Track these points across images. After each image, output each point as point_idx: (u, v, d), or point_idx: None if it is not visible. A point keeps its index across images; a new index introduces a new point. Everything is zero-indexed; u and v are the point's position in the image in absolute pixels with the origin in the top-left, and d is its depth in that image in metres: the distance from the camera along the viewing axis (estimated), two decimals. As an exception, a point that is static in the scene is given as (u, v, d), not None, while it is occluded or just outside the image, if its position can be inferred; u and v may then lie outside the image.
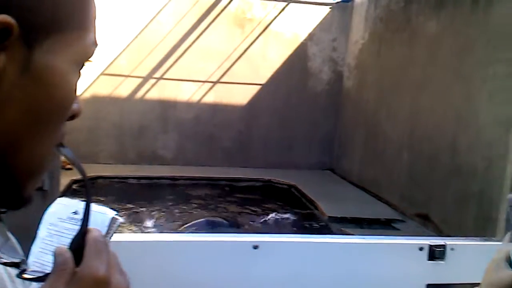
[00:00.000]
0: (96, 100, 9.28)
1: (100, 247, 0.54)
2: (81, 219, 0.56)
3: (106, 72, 9.33)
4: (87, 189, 0.57)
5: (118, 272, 0.55)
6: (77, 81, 0.54)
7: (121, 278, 0.55)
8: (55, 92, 0.50)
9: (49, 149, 0.54)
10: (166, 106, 9.65)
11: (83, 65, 0.55)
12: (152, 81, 9.57)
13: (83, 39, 0.53)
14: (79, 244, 0.54)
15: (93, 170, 8.40)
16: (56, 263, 0.52)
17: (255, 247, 1.58)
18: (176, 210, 7.29)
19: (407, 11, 7.60)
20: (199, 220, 6.47)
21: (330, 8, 9.97)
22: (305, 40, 9.99)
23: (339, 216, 6.87)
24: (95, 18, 0.55)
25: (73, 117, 0.57)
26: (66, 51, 0.51)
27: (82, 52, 0.53)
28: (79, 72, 0.55)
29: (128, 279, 0.57)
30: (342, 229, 6.43)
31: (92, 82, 9.26)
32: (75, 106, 0.56)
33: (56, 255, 0.52)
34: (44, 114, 0.51)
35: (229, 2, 9.68)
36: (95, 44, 0.55)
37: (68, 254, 0.52)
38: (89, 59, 0.55)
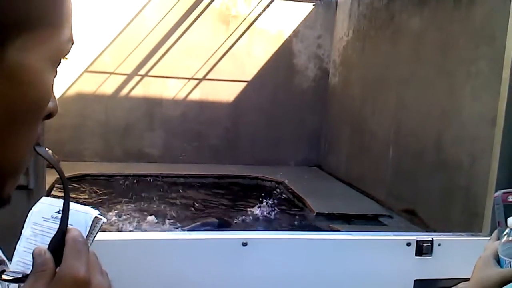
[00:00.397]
0: (81, 98, 9.20)
1: (80, 247, 0.53)
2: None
3: (90, 69, 9.25)
4: (65, 188, 0.57)
5: (99, 272, 0.54)
6: (53, 79, 0.52)
7: (102, 279, 0.54)
8: (29, 90, 0.49)
9: (25, 149, 0.53)
10: (152, 104, 9.60)
11: (59, 62, 0.53)
12: (137, 78, 9.50)
13: (58, 36, 0.51)
14: (58, 244, 0.53)
15: (78, 168, 8.34)
16: (35, 264, 0.51)
17: (244, 244, 1.58)
18: (165, 209, 7.25)
19: (390, 8, 7.64)
20: (197, 224, 6.47)
21: (314, 5, 9.99)
22: (290, 37, 10.00)
23: (327, 212, 6.90)
24: (70, 15, 0.54)
25: (49, 116, 0.55)
26: (40, 48, 0.49)
27: (57, 49, 0.51)
28: (55, 69, 0.53)
29: (109, 279, 0.57)
30: (330, 225, 6.45)
31: (76, 79, 9.16)
32: (51, 104, 0.54)
33: (35, 255, 0.52)
34: (19, 113, 0.49)
35: (214, -1, 9.66)
36: (71, 41, 0.54)
37: (48, 255, 0.52)
38: (65, 57, 0.54)
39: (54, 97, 0.55)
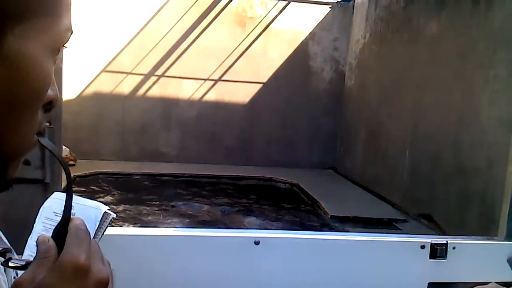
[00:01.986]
0: (98, 97, 9.30)
1: (81, 235, 0.54)
2: (74, 213, 0.57)
3: (108, 69, 9.34)
4: (68, 179, 0.58)
5: (100, 260, 0.55)
6: (52, 67, 0.54)
7: (103, 266, 0.55)
8: (28, 77, 0.50)
9: (26, 134, 0.54)
10: (168, 104, 9.66)
11: (58, 51, 0.54)
12: (153, 78, 9.57)
13: (56, 25, 0.52)
14: (61, 232, 0.54)
15: (95, 166, 8.42)
16: (39, 251, 0.53)
17: (257, 243, 1.59)
18: (179, 207, 7.29)
19: (408, 11, 7.59)
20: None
21: (331, 7, 9.97)
22: (306, 39, 9.98)
23: (341, 215, 6.86)
24: (69, 5, 0.55)
25: (50, 103, 0.56)
26: (39, 37, 0.50)
27: (56, 38, 0.53)
28: (54, 58, 0.54)
29: (110, 268, 0.58)
30: (344, 228, 6.42)
31: (93, 78, 9.27)
32: (51, 92, 0.55)
33: (39, 243, 0.53)
34: (18, 100, 0.50)
35: (230, 0, 9.68)
36: (70, 30, 0.55)
37: (51, 242, 0.53)
38: (64, 45, 0.55)
39: (55, 85, 0.56)
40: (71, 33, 0.55)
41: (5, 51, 0.48)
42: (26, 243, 0.61)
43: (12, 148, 0.53)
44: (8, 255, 0.55)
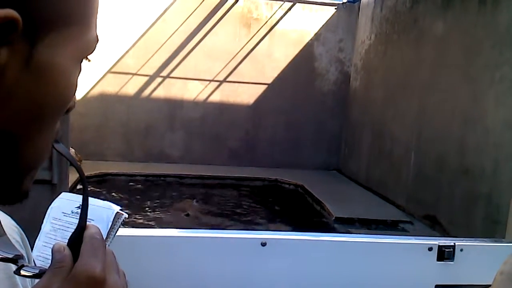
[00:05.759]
0: (104, 98, 9.32)
1: (97, 244, 0.53)
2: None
3: (113, 70, 9.36)
4: (84, 185, 0.56)
5: (115, 271, 0.54)
6: (77, 76, 0.53)
7: (118, 278, 0.54)
8: (55, 87, 0.49)
9: (47, 143, 0.53)
10: (173, 105, 9.67)
11: (83, 60, 0.53)
12: (158, 79, 9.59)
13: (85, 34, 0.51)
14: (76, 240, 0.53)
15: (100, 167, 8.44)
16: (53, 260, 0.51)
17: (263, 244, 1.58)
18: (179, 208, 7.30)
19: (414, 12, 7.57)
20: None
21: (336, 8, 9.96)
22: (311, 40, 9.98)
23: (346, 216, 6.85)
24: (97, 13, 0.54)
25: (68, 110, 0.56)
26: (68, 46, 0.49)
27: (84, 48, 0.52)
28: (80, 67, 0.53)
29: (125, 280, 0.57)
30: (349, 230, 6.41)
31: (99, 79, 9.29)
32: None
33: (55, 252, 0.52)
34: (44, 110, 0.50)
35: (236, 2, 9.69)
36: (97, 40, 0.54)
37: (67, 251, 0.52)
38: (88, 58, 0.54)
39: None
40: (97, 42, 0.54)
41: (35, 61, 0.47)
42: (34, 244, 0.61)
43: (32, 159, 0.52)
44: (20, 262, 0.53)
